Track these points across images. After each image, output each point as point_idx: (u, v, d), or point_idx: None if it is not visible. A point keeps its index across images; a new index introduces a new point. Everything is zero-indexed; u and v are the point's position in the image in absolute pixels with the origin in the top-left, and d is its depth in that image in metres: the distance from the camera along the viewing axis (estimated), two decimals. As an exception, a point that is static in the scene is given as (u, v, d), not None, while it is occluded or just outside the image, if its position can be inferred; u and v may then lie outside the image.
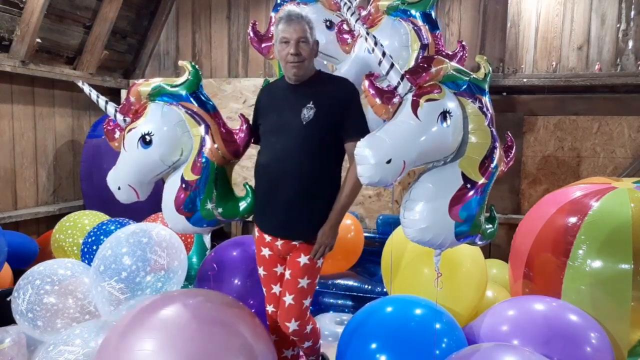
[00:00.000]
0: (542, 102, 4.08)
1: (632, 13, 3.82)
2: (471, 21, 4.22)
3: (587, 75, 3.85)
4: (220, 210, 2.31)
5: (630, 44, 3.83)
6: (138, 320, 1.92)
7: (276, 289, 2.22)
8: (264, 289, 2.28)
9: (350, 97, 2.06)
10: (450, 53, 2.28)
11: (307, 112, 2.03)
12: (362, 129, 2.01)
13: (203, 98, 2.26)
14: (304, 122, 2.02)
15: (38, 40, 3.83)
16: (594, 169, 4.02)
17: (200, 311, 1.96)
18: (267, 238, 2.16)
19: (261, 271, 2.25)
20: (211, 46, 4.94)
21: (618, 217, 2.32)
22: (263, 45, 2.64)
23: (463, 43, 2.32)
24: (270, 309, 2.27)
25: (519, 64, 4.08)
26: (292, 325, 2.09)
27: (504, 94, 4.14)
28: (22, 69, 3.81)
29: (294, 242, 2.09)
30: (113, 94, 4.91)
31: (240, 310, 2.11)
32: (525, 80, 3.98)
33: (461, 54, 2.29)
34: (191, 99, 2.24)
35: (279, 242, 2.13)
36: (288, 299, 2.10)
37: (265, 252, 2.20)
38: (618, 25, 3.86)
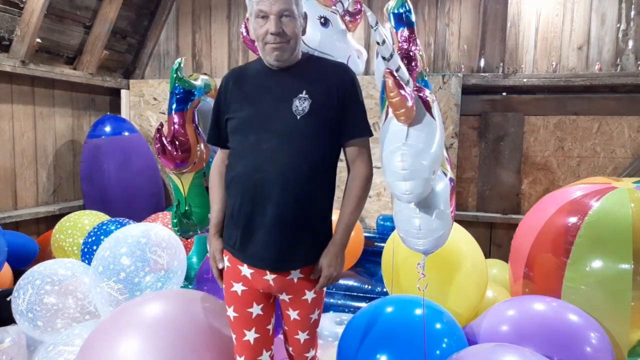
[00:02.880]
0: (542, 102, 4.08)
1: (632, 13, 3.82)
2: (471, 21, 4.22)
3: (587, 75, 3.85)
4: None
5: (630, 44, 3.83)
6: (117, 321, 1.93)
7: (250, 335, 1.74)
8: (234, 335, 1.79)
9: (351, 86, 1.69)
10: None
11: (301, 104, 1.62)
12: (365, 127, 1.69)
13: (174, 98, 2.30)
14: (298, 117, 1.62)
15: (38, 40, 3.83)
16: (594, 169, 4.02)
17: (182, 314, 1.96)
18: (245, 272, 1.71)
19: (230, 312, 1.77)
20: (211, 46, 4.94)
21: (618, 217, 2.31)
22: (256, 43, 2.62)
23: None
24: None
25: (519, 64, 4.08)
26: (310, 354, 1.85)
27: (504, 94, 4.13)
28: (22, 69, 3.81)
29: (289, 277, 1.69)
30: (113, 94, 4.91)
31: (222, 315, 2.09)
32: (525, 80, 3.98)
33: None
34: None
35: (270, 277, 1.68)
36: (303, 336, 1.80)
37: (238, 287, 1.73)
38: (618, 25, 3.86)
